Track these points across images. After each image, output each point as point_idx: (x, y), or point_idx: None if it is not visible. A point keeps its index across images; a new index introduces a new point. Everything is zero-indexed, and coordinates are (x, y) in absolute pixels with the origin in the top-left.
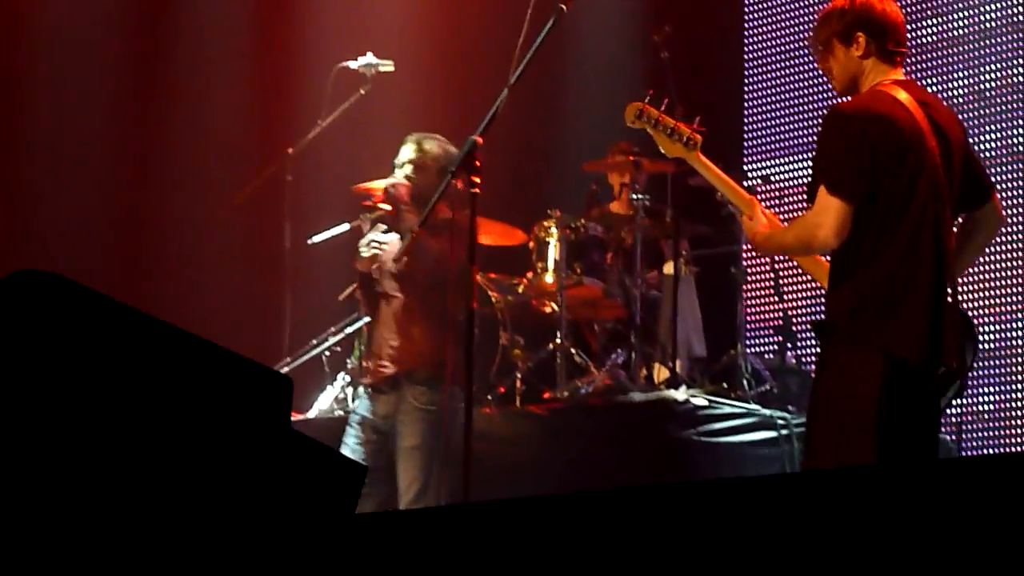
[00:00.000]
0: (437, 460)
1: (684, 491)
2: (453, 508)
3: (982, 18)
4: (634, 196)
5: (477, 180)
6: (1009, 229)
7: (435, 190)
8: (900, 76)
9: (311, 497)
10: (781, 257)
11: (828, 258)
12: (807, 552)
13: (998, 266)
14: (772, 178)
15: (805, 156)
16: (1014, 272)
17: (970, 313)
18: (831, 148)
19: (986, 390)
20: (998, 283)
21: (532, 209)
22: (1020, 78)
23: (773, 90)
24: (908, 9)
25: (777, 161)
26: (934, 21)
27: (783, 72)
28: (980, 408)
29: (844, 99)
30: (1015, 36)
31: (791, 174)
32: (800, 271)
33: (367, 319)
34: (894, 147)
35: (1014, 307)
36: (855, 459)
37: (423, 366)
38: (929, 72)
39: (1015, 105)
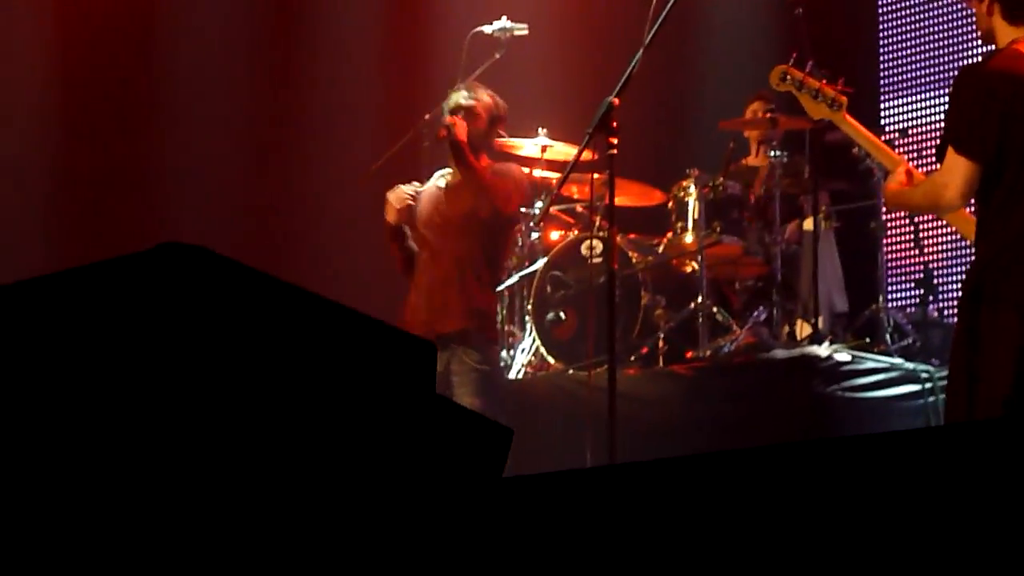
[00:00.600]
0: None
1: (830, 447)
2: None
3: None
4: (772, 153)
5: (614, 141)
6: None
7: (483, 137)
8: None
9: (457, 461)
10: None
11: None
12: (957, 505)
13: None
14: (909, 131)
15: (943, 108)
16: None
17: None
18: (959, 107)
19: None
20: None
21: (670, 169)
22: None
23: (910, 42)
24: None
25: (915, 112)
26: None
27: (919, 23)
28: None
29: (977, 58)
30: None
31: (929, 126)
32: (940, 223)
33: (507, 283)
34: (1022, 107)
35: None
36: (993, 414)
37: (471, 324)
38: None
39: None
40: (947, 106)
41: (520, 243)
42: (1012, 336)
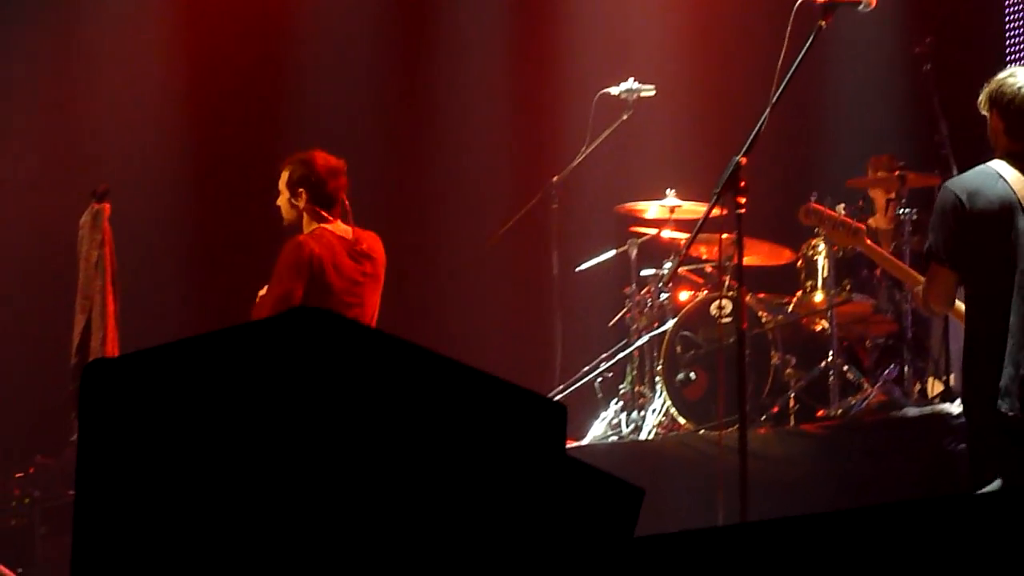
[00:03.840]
0: None
1: (962, 504)
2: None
3: None
4: (901, 210)
5: (742, 200)
6: None
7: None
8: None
9: (589, 521)
10: None
11: None
12: None
13: None
14: None
15: None
16: None
17: None
18: (933, 220)
19: None
20: None
21: (798, 227)
22: None
23: None
24: None
25: None
26: None
27: None
28: None
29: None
30: None
31: None
32: None
33: (637, 343)
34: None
35: None
36: None
37: None
38: None
39: None
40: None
41: (650, 303)
42: None
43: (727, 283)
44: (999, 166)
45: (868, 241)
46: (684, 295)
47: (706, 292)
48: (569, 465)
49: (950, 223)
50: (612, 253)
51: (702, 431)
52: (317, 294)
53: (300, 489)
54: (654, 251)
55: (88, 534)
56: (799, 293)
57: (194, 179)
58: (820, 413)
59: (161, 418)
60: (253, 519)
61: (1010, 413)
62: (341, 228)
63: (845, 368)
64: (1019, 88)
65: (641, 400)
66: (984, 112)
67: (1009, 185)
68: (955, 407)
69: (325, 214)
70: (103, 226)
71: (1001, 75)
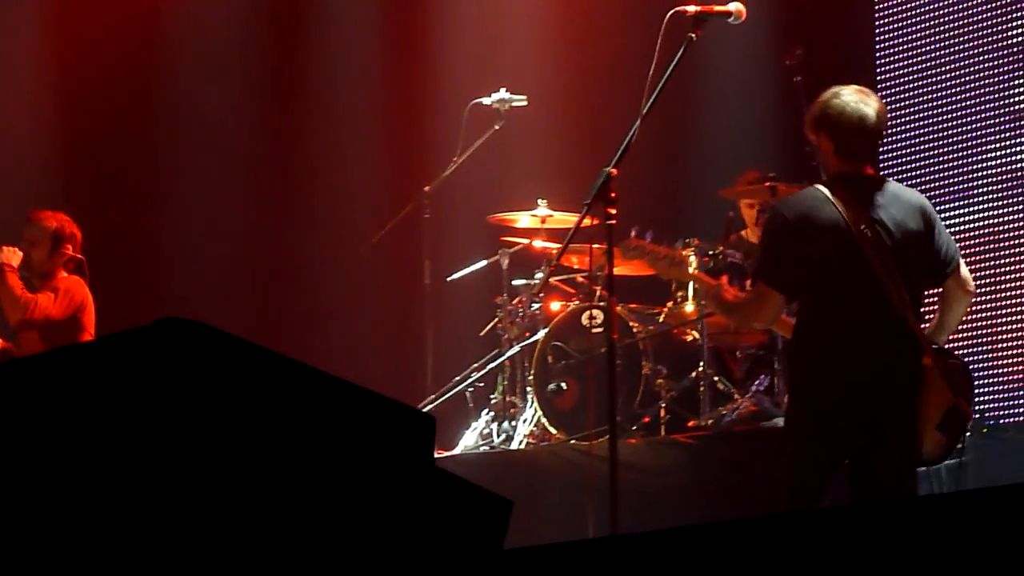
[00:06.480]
0: None
1: (833, 516)
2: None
3: None
4: None
5: (613, 211)
6: None
7: None
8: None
9: (457, 533)
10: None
11: None
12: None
13: None
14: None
15: (939, 173)
16: None
17: None
18: (763, 241)
19: None
20: None
21: (669, 238)
22: None
23: (907, 108)
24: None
25: (911, 179)
26: None
27: (916, 88)
28: None
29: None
30: None
31: (925, 190)
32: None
33: (508, 353)
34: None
35: None
36: None
37: None
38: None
39: None
40: None
41: (521, 313)
42: None
43: (598, 293)
44: (827, 189)
45: (693, 271)
46: (555, 305)
47: (577, 302)
48: (437, 476)
49: (781, 246)
50: (484, 263)
51: (573, 441)
52: None
53: (160, 501)
54: (526, 261)
55: None
56: (670, 304)
57: (65, 179)
58: (691, 423)
59: (22, 430)
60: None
61: None
62: None
63: (716, 378)
64: (845, 105)
65: (512, 410)
66: (811, 136)
67: (838, 209)
68: None
69: None
70: None
71: (826, 96)
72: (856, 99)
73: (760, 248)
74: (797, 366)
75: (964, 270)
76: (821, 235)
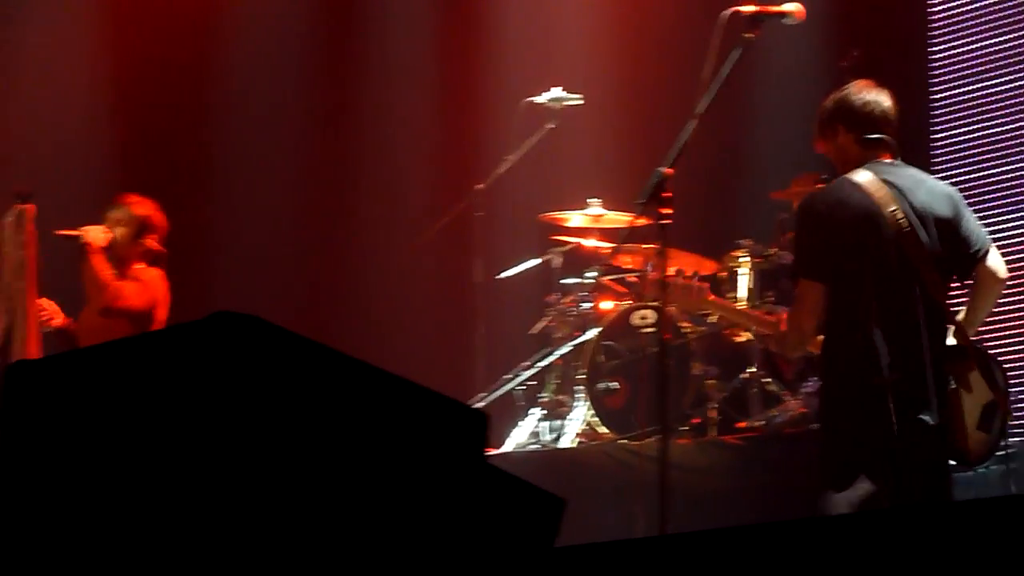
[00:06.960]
0: None
1: (880, 518)
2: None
3: None
4: None
5: (666, 211)
6: None
7: None
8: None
9: (510, 531)
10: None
11: None
12: None
13: None
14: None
15: (994, 174)
16: None
17: None
18: (796, 236)
19: None
20: None
21: (722, 239)
22: None
23: (960, 110)
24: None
25: (966, 180)
26: None
27: (971, 87)
28: None
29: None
30: None
31: (980, 192)
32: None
33: (559, 352)
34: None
35: None
36: None
37: None
38: None
39: None
40: None
41: (572, 312)
42: None
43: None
44: (855, 177)
45: (712, 297)
46: (607, 305)
47: (629, 302)
48: (490, 473)
49: (814, 236)
50: (535, 262)
51: (623, 441)
52: None
53: (217, 495)
54: (577, 260)
55: (5, 536)
56: None
57: (120, 180)
58: (740, 424)
59: (83, 420)
60: (174, 522)
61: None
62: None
63: (766, 380)
64: (864, 95)
65: (562, 409)
66: (823, 140)
67: (867, 194)
68: None
69: None
70: (27, 227)
71: (836, 95)
72: (870, 90)
73: (794, 246)
74: (831, 349)
75: (994, 256)
76: (852, 222)
